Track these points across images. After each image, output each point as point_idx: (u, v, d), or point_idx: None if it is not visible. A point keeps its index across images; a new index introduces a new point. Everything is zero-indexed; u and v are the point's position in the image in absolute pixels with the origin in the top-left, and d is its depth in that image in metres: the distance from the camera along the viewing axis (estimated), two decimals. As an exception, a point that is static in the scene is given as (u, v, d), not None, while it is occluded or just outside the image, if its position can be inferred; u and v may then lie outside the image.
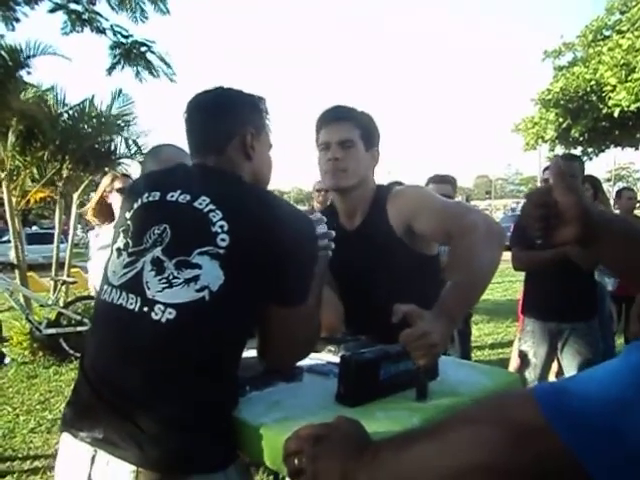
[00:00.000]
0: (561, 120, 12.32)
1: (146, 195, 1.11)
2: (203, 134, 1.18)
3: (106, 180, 2.85)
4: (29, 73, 5.64)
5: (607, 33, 12.79)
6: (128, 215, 1.13)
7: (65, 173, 5.70)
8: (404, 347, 1.06)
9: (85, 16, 4.89)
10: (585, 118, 12.09)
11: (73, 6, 4.84)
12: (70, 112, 5.79)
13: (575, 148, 13.46)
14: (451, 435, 0.62)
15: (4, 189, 5.55)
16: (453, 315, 1.13)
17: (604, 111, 11.40)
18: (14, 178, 5.84)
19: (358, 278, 1.49)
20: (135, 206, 1.12)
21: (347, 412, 1.04)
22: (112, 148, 6.10)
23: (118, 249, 1.10)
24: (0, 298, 6.94)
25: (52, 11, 4.82)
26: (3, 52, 5.52)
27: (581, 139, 12.71)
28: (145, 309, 0.98)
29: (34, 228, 21.36)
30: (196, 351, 0.97)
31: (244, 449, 1.02)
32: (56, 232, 6.20)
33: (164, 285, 0.98)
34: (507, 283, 9.98)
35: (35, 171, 6.12)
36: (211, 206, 1.02)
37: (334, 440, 0.72)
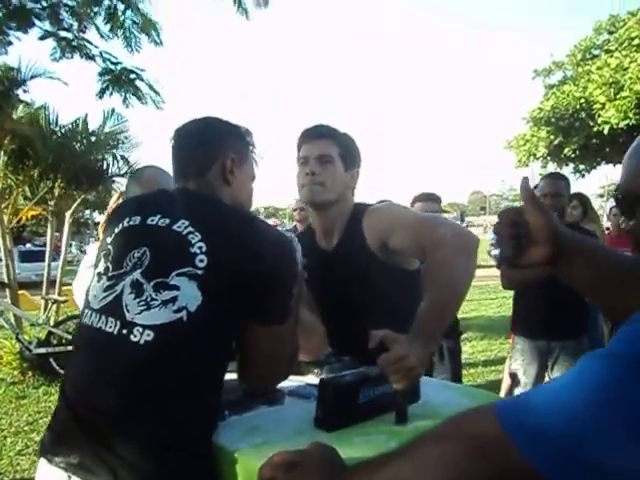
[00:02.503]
0: (552, 137, 12.47)
1: (127, 219, 1.13)
2: (186, 160, 1.21)
3: (114, 197, 2.93)
4: (25, 91, 5.71)
5: (596, 52, 13.03)
6: (109, 239, 1.14)
7: (57, 191, 5.70)
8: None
9: (74, 43, 4.96)
10: (576, 136, 12.24)
11: (63, 33, 4.92)
12: (62, 131, 5.82)
13: (567, 165, 13.60)
14: (419, 455, 0.63)
15: (-5, 207, 5.54)
16: (430, 335, 1.13)
17: (594, 129, 11.56)
18: (6, 197, 5.84)
19: (338, 298, 1.49)
20: (116, 230, 1.14)
21: (325, 437, 1.03)
22: (104, 166, 6.12)
23: (99, 273, 1.11)
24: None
25: (42, 38, 4.90)
26: (0, 72, 5.58)
27: (573, 156, 12.85)
28: (124, 331, 0.98)
29: (28, 246, 21.19)
30: (175, 372, 0.97)
31: (221, 475, 1.01)
32: (47, 250, 6.18)
33: (142, 307, 0.99)
34: (501, 299, 9.98)
35: (27, 189, 6.12)
36: (190, 228, 1.04)
37: (307, 467, 0.73)
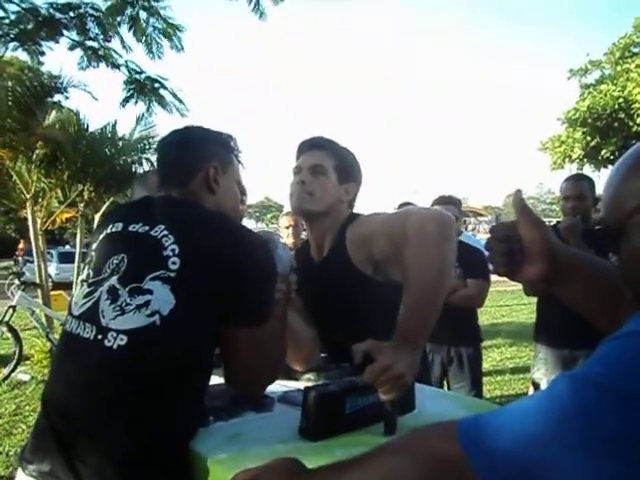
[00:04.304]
0: (589, 139, 12.11)
1: (111, 226, 1.14)
2: (168, 169, 1.22)
3: None
4: (67, 98, 5.96)
5: (636, 50, 12.60)
6: (94, 246, 1.15)
7: (86, 194, 5.87)
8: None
9: (101, 52, 5.13)
10: (614, 137, 11.86)
11: (90, 43, 5.09)
12: (92, 136, 5.99)
13: (605, 167, 13.17)
14: (374, 466, 0.63)
15: (28, 210, 5.73)
16: (414, 340, 1.08)
17: (634, 129, 11.17)
18: (39, 200, 6.03)
19: (324, 311, 1.46)
20: (100, 237, 1.15)
21: (307, 447, 1.01)
22: (133, 170, 6.26)
23: (82, 280, 1.11)
24: (24, 317, 7.13)
25: (71, 48, 5.10)
26: (43, 79, 5.81)
27: (611, 158, 12.43)
28: (99, 337, 0.98)
29: (67, 247, 21.90)
30: (146, 377, 0.96)
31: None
32: (77, 251, 6.35)
33: (117, 312, 0.99)
34: (533, 305, 9.68)
35: (60, 193, 6.32)
36: (165, 232, 1.04)
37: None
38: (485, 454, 0.54)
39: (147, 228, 1.06)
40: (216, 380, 1.22)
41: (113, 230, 1.12)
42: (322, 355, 1.55)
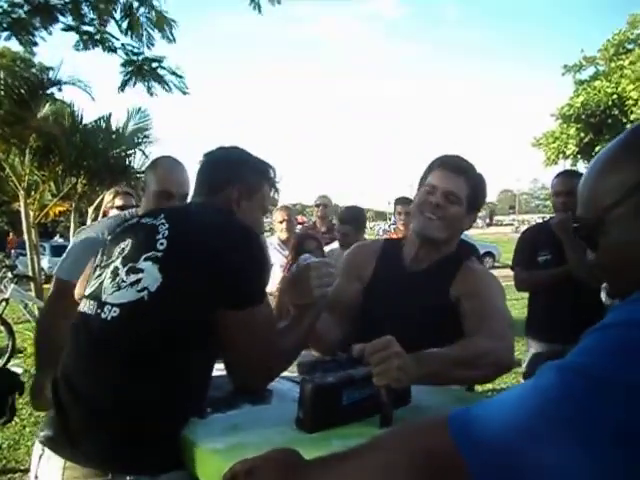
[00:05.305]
0: (582, 135, 12.17)
1: (129, 221, 1.27)
2: (199, 182, 1.33)
3: (108, 196, 2.90)
4: (60, 90, 5.93)
5: (630, 47, 12.64)
6: (109, 238, 1.26)
7: (80, 188, 5.84)
8: (370, 371, 1.03)
9: (97, 36, 5.09)
10: (608, 133, 11.91)
11: (85, 28, 5.05)
12: (87, 128, 5.95)
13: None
14: (369, 457, 0.64)
15: (21, 203, 5.70)
16: (425, 365, 1.11)
17: (627, 126, 11.21)
18: (32, 192, 6.00)
19: (394, 318, 1.42)
20: (117, 230, 1.26)
21: (303, 438, 1.02)
22: (128, 163, 6.23)
23: (96, 266, 1.22)
24: (17, 310, 7.10)
25: (65, 30, 5.06)
26: (34, 70, 5.76)
27: (605, 154, 12.48)
28: (98, 311, 1.09)
29: (60, 240, 21.73)
30: (134, 346, 1.04)
31: (193, 472, 1.00)
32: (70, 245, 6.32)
33: (114, 289, 1.09)
34: (525, 300, 9.73)
35: (53, 186, 6.29)
36: (163, 220, 1.15)
37: (264, 471, 0.74)
38: (475, 444, 0.55)
39: (154, 221, 1.17)
40: (216, 372, 1.23)
41: (129, 223, 1.25)
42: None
